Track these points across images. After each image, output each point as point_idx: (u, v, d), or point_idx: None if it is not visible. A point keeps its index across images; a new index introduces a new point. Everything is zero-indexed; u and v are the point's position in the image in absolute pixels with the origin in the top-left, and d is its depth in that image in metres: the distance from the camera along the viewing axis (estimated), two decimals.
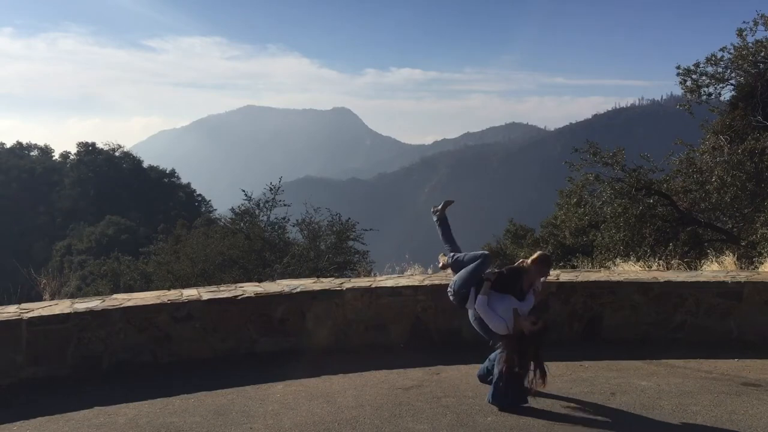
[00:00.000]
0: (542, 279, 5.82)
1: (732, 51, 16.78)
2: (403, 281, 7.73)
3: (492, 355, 5.79)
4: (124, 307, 6.70)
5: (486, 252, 5.83)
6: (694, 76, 17.25)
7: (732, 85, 17.44)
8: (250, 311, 7.13)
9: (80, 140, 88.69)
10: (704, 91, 17.36)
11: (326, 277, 11.10)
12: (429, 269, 9.41)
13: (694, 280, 7.80)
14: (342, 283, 7.68)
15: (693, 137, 18.09)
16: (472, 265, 5.65)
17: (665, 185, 15.64)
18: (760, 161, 14.80)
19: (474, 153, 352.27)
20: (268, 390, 6.03)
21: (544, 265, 5.70)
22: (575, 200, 16.60)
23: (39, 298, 8.89)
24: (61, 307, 6.69)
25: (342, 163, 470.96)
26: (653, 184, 15.35)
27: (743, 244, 13.53)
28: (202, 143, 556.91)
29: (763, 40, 16.49)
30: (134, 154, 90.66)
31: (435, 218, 6.36)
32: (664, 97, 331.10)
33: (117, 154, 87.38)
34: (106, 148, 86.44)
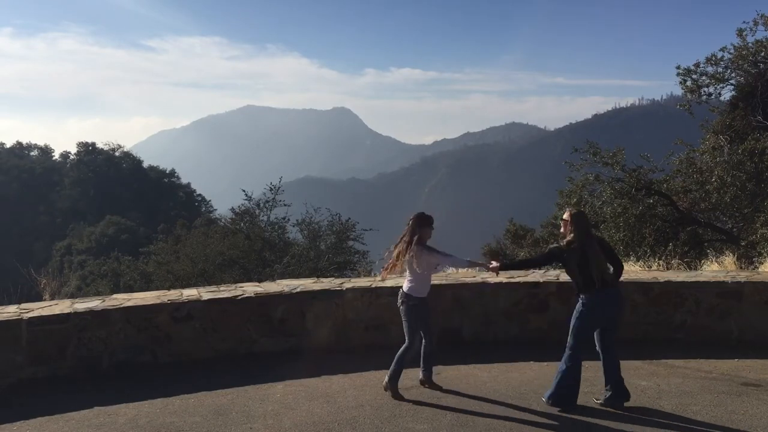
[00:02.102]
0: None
1: (732, 51, 16.77)
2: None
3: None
4: (124, 307, 6.70)
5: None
6: (694, 76, 17.24)
7: (732, 85, 17.42)
8: (250, 311, 7.13)
9: (80, 140, 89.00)
10: (704, 91, 17.35)
11: (326, 277, 11.11)
12: None
13: (694, 280, 7.80)
14: (342, 283, 7.68)
15: (693, 137, 18.07)
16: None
17: (665, 185, 15.62)
18: (760, 161, 14.78)
19: (474, 153, 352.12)
20: (268, 390, 6.04)
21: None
22: (575, 200, 16.57)
23: (39, 298, 8.89)
24: (61, 307, 6.70)
25: (342, 163, 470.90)
26: (653, 184, 15.33)
27: (743, 244, 13.51)
28: (202, 143, 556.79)
29: (763, 40, 16.49)
30: (134, 154, 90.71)
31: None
32: (664, 97, 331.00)
33: (117, 154, 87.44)
34: (106, 148, 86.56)
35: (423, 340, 5.96)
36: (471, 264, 6.18)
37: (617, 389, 5.58)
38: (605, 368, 5.65)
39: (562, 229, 5.70)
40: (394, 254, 5.86)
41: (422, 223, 5.82)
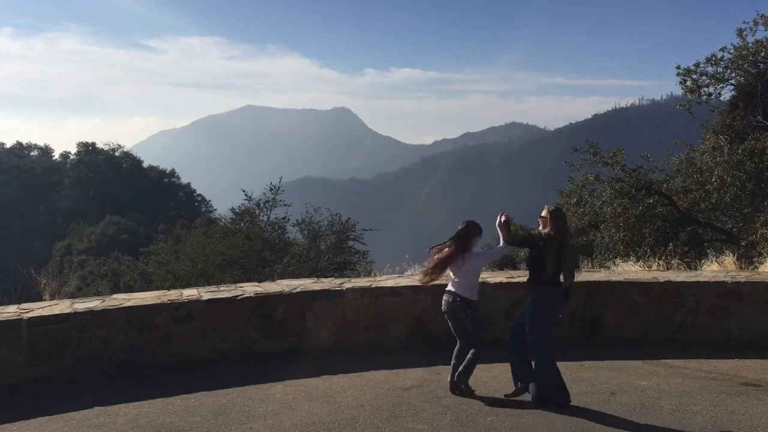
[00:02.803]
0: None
1: (732, 51, 16.75)
2: (403, 281, 7.73)
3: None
4: (124, 307, 6.70)
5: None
6: (694, 76, 17.21)
7: (732, 85, 17.40)
8: (250, 311, 7.13)
9: (80, 140, 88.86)
10: (704, 91, 17.32)
11: (326, 277, 11.10)
12: None
13: (694, 280, 7.80)
14: (342, 283, 7.68)
15: (693, 137, 18.06)
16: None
17: (665, 185, 15.61)
18: (760, 161, 14.77)
19: (474, 153, 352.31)
20: (268, 390, 6.04)
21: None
22: (575, 200, 16.56)
23: (39, 298, 8.90)
24: (61, 307, 6.70)
25: (342, 163, 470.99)
26: (653, 184, 15.33)
27: (743, 244, 13.51)
28: (202, 143, 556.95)
29: (763, 40, 16.47)
30: (134, 154, 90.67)
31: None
32: (664, 97, 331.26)
33: (117, 154, 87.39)
34: (106, 148, 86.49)
35: (459, 344, 5.98)
36: (504, 248, 6.05)
37: (524, 379, 5.71)
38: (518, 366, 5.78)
39: (540, 226, 5.80)
40: (438, 258, 5.92)
41: (472, 231, 5.94)
